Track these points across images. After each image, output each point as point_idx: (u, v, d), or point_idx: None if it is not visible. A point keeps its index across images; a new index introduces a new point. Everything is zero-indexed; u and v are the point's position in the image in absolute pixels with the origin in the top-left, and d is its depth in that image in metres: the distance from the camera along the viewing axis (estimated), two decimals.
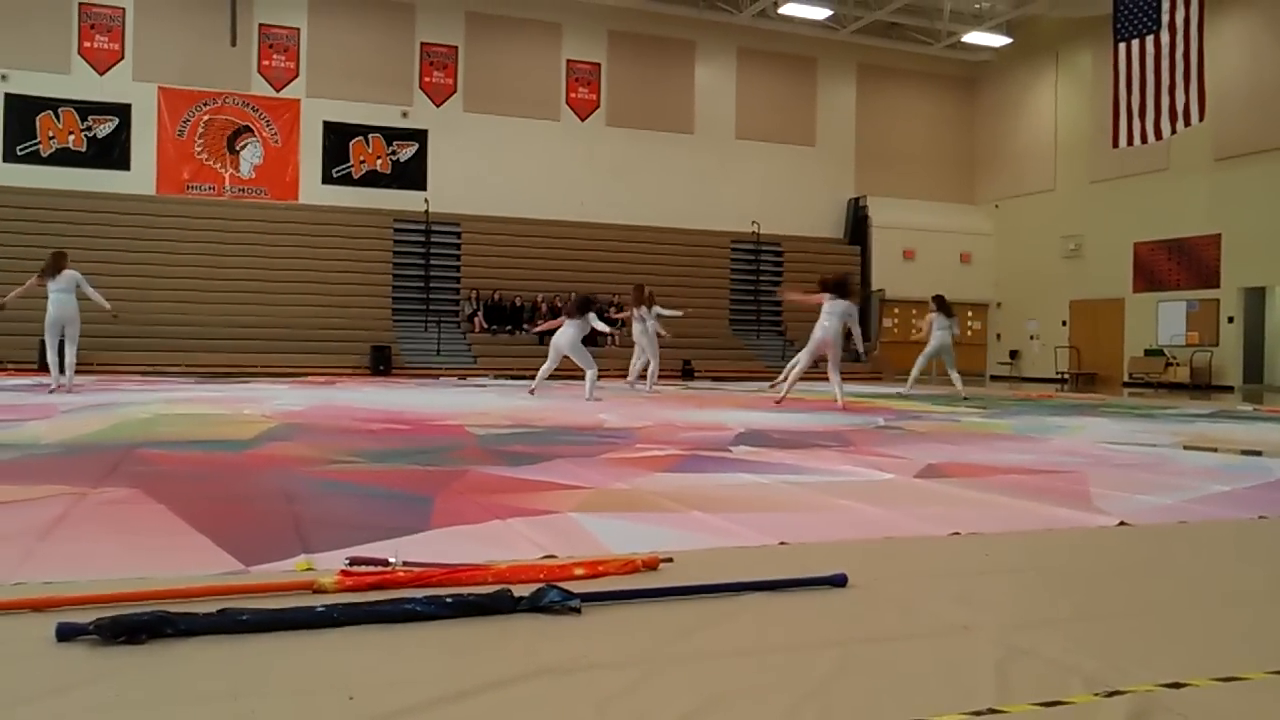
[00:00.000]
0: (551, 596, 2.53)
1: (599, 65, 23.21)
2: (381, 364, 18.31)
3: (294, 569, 2.93)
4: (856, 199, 25.23)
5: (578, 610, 2.50)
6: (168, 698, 1.90)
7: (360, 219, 20.79)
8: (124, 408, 8.86)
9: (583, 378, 12.34)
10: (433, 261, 21.36)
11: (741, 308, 23.94)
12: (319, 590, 2.63)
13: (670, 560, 3.07)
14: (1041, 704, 1.92)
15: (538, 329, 17.66)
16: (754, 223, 23.85)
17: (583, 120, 23.04)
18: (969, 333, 26.50)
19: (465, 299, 21.34)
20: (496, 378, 17.97)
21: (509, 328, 20.83)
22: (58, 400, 9.59)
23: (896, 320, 25.67)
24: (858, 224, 25.20)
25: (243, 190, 20.52)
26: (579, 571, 2.87)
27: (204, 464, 5.30)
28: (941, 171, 26.20)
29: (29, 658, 2.11)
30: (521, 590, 2.58)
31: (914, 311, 25.85)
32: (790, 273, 24.48)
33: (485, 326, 20.70)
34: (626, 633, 2.39)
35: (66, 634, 2.19)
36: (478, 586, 2.66)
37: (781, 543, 3.49)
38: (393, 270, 20.99)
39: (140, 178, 19.96)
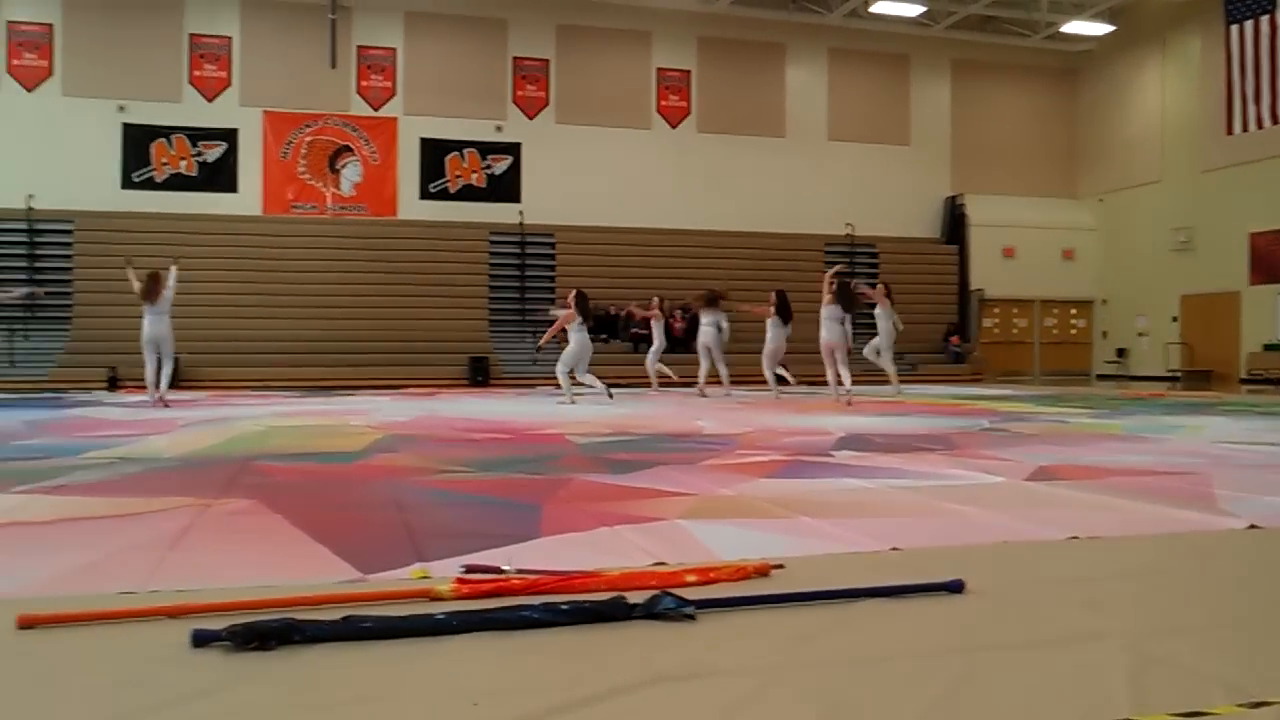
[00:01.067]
0: (666, 603, 2.53)
1: (689, 72, 23.23)
2: (479, 375, 18.60)
3: (410, 577, 2.98)
4: (953, 197, 24.74)
5: (692, 617, 2.50)
6: (299, 704, 1.96)
7: (457, 232, 21.17)
8: (238, 422, 9.16)
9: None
10: (528, 272, 21.62)
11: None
12: (436, 598, 2.67)
13: (781, 566, 3.04)
14: (1182, 715, 1.84)
15: (636, 320, 17.63)
16: (848, 225, 23.58)
17: (674, 127, 23.08)
18: (1072, 330, 25.75)
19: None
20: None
21: (604, 336, 20.94)
22: (175, 415, 9.96)
23: (997, 320, 25.08)
24: (955, 223, 24.71)
25: (344, 208, 21.08)
26: (691, 578, 2.86)
27: (316, 475, 5.44)
28: (1041, 166, 25.52)
29: (168, 662, 2.19)
30: (635, 597, 2.59)
31: (1015, 311, 25.22)
32: (886, 274, 24.09)
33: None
34: (743, 640, 2.37)
35: (201, 640, 2.27)
36: (591, 594, 2.68)
37: (893, 548, 3.43)
38: (489, 282, 21.31)
39: (247, 199, 20.65)
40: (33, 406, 11.41)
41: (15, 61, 19.80)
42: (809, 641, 2.35)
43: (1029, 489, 4.89)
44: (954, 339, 23.30)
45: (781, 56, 23.88)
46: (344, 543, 3.43)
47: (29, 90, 19.85)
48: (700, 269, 21.79)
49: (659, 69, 23.11)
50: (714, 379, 14.76)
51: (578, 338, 13.07)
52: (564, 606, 2.50)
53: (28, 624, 2.42)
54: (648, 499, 4.45)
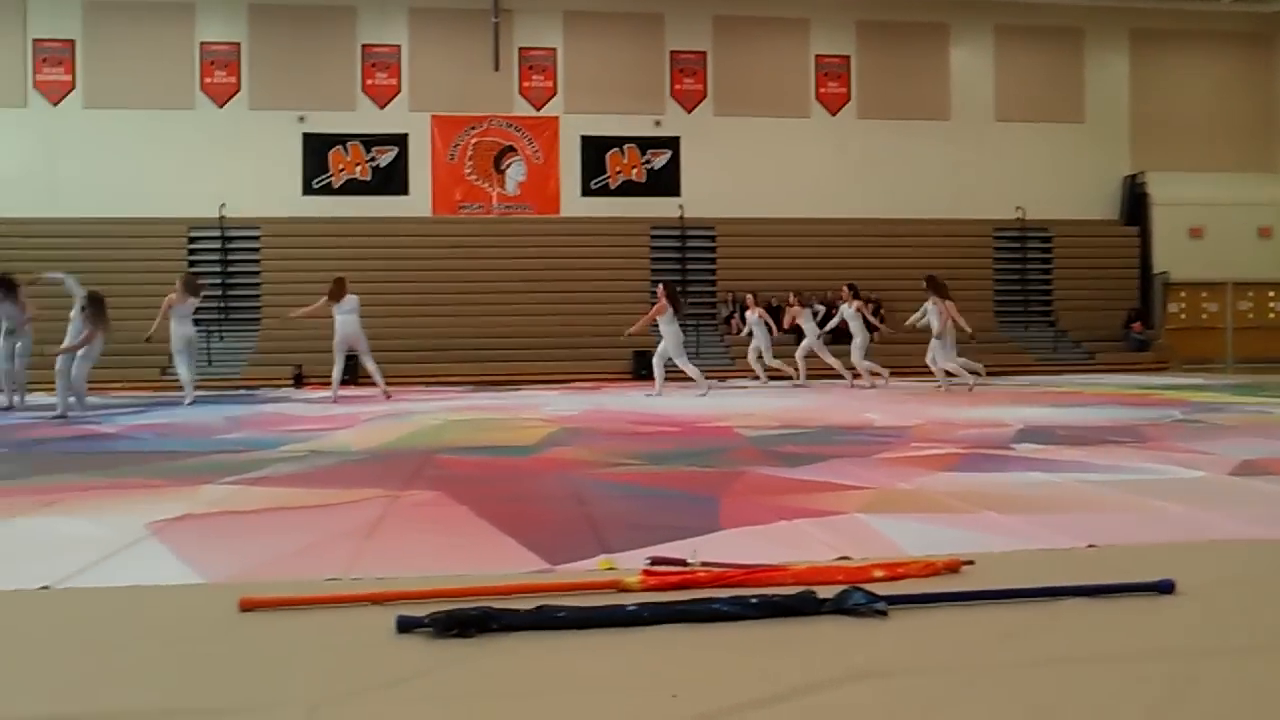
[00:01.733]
0: (856, 599, 2.48)
1: (848, 58, 22.79)
2: (643, 369, 18.74)
3: (596, 568, 3.03)
4: (1133, 176, 23.43)
5: (884, 613, 2.45)
6: (502, 691, 2.01)
7: (618, 228, 21.42)
8: (416, 416, 9.53)
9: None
10: (689, 266, 21.68)
11: (1007, 298, 22.79)
12: (624, 589, 2.70)
13: (971, 563, 2.95)
14: None
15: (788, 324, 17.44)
16: (1018, 208, 22.66)
17: (833, 115, 22.69)
18: (1270, 314, 24.01)
19: (721, 302, 21.53)
20: (755, 379, 17.97)
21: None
22: (357, 410, 10.44)
23: (1184, 305, 23.63)
24: (1135, 202, 23.39)
25: (509, 207, 21.63)
26: (878, 574, 2.80)
27: (495, 468, 5.61)
28: (1232, 139, 23.86)
29: (376, 646, 2.29)
30: (823, 592, 2.56)
31: (1204, 295, 23.72)
32: (1061, 258, 23.10)
33: (743, 328, 20.77)
34: (940, 638, 2.31)
35: (406, 626, 2.36)
36: (777, 587, 2.66)
37: (1090, 545, 3.28)
38: (651, 277, 21.45)
39: (418, 201, 21.45)
40: (229, 403, 12.17)
41: (208, 80, 21.13)
42: (1011, 641, 2.27)
43: (1234, 484, 4.59)
44: (1136, 325, 22.09)
45: (945, 37, 23.14)
46: (529, 534, 3.52)
47: (220, 106, 21.15)
48: (862, 257, 21.40)
49: (817, 56, 22.75)
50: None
51: (670, 330, 13.13)
52: (753, 600, 2.49)
53: (249, 607, 2.58)
54: (824, 492, 4.40)
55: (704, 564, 2.88)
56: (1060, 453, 5.81)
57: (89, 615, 2.66)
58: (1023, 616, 2.45)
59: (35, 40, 20.63)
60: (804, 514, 3.85)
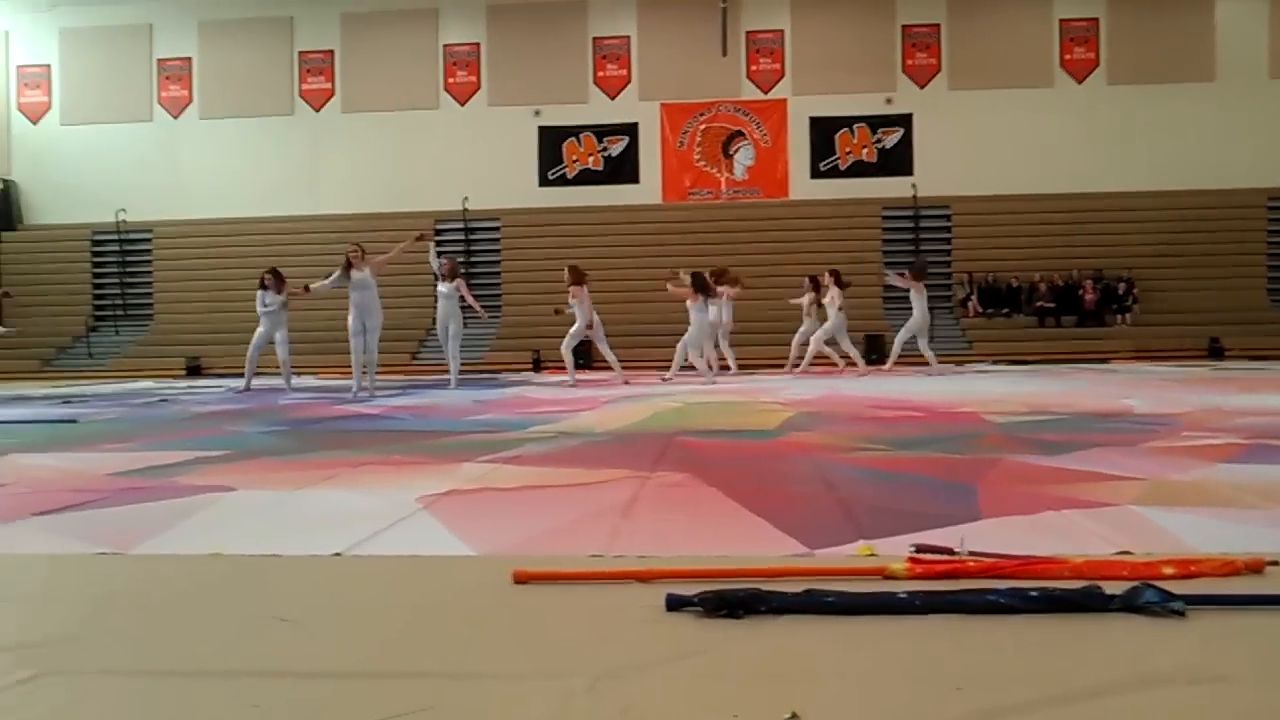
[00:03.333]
0: (1149, 596, 2.31)
1: (1096, 20, 21.36)
2: (874, 353, 18.35)
3: (856, 554, 2.97)
4: None
5: (1182, 614, 2.26)
6: (776, 673, 1.99)
7: (848, 210, 21.01)
8: (655, 399, 9.70)
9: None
10: (923, 246, 20.99)
11: None
12: (889, 576, 2.63)
13: (1277, 564, 2.69)
14: None
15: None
16: None
17: (1079, 83, 21.34)
18: None
19: (958, 283, 20.73)
20: (995, 363, 17.24)
21: (1005, 311, 19.90)
22: (598, 394, 10.73)
23: None
24: None
25: (737, 192, 21.65)
26: (1168, 570, 2.60)
27: (739, 450, 5.61)
28: None
29: (646, 623, 2.33)
30: (1109, 587, 2.40)
31: None
32: None
33: (980, 310, 19.96)
34: (1248, 644, 2.12)
35: (675, 605, 2.39)
36: (1056, 581, 2.51)
37: None
38: (882, 259, 20.94)
39: (648, 189, 21.82)
40: (475, 387, 12.79)
41: (450, 80, 22.28)
42: None
43: None
44: None
45: None
46: (782, 517, 3.49)
47: (462, 104, 22.25)
48: (1112, 234, 20.07)
49: (1061, 20, 21.45)
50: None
51: (698, 318, 13.15)
52: (1033, 593, 2.36)
53: (522, 579, 2.69)
54: (1091, 482, 4.13)
55: (972, 553, 2.77)
56: None
57: (378, 581, 2.84)
58: None
59: (301, 53, 22.36)
60: (1072, 505, 3.63)
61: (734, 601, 2.34)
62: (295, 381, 12.74)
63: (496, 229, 21.70)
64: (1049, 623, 2.26)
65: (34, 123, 22.75)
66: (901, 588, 2.50)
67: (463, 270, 13.92)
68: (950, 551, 2.78)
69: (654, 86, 21.84)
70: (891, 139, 21.42)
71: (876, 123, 21.45)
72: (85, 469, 5.20)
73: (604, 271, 20.13)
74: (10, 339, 16.97)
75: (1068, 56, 21.45)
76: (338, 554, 3.10)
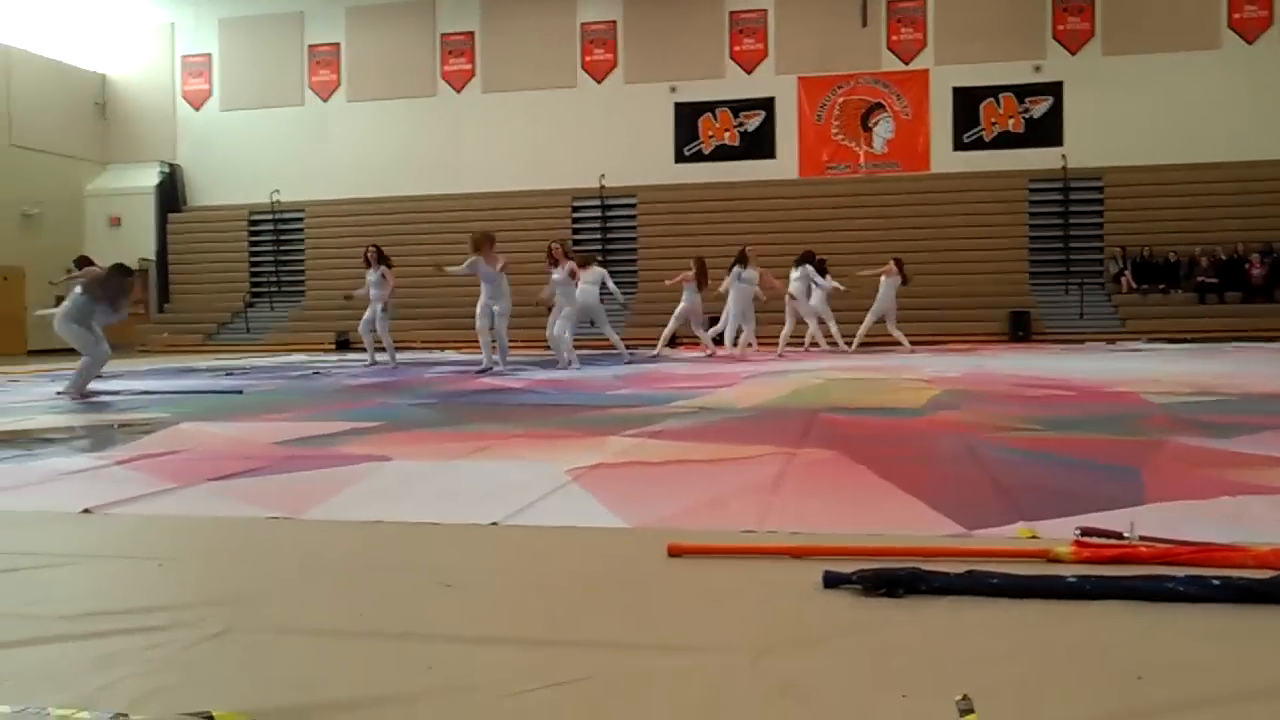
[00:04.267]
0: None
1: None
2: (1020, 330, 17.74)
3: (1016, 535, 2.88)
4: None
5: None
6: (940, 655, 1.95)
7: (992, 182, 20.27)
8: (794, 375, 9.61)
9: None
10: (1071, 220, 20.12)
11: None
12: (1054, 559, 2.55)
13: None
14: None
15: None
16: None
17: (1249, 43, 20.00)
18: None
19: (1110, 258, 19.78)
20: (1150, 340, 16.45)
21: (1161, 286, 18.92)
22: (736, 369, 10.69)
23: None
24: None
25: (876, 165, 21.15)
26: None
27: (885, 428, 5.51)
28: None
29: (804, 600, 2.32)
30: None
31: None
32: None
33: (1134, 286, 19.02)
34: None
35: (832, 582, 2.37)
36: (1238, 569, 2.39)
37: None
38: (1028, 232, 20.17)
39: (784, 164, 21.52)
40: (612, 362, 12.90)
41: (588, 58, 22.41)
42: None
43: None
44: None
45: None
46: (935, 496, 3.42)
47: (598, 82, 22.37)
48: None
49: None
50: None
51: (689, 300, 13.93)
52: (1215, 582, 2.25)
53: (676, 552, 2.71)
54: (1270, 467, 3.90)
55: (1143, 538, 2.65)
56: None
57: (535, 550, 2.91)
58: None
59: (442, 35, 22.85)
60: (1250, 490, 3.44)
61: (893, 580, 2.30)
62: (439, 355, 13.18)
63: (633, 206, 21.79)
64: (1232, 613, 2.15)
65: (196, 109, 23.91)
66: (1068, 572, 2.42)
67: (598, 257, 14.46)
68: (1119, 536, 2.67)
69: (791, 60, 21.50)
70: (1040, 108, 20.55)
71: (1024, 91, 20.62)
72: (252, 437, 5.47)
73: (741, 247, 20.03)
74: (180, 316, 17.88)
75: (1237, 15, 20.14)
76: (494, 523, 3.19)
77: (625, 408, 6.72)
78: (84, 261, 9.44)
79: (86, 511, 3.48)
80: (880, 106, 21.13)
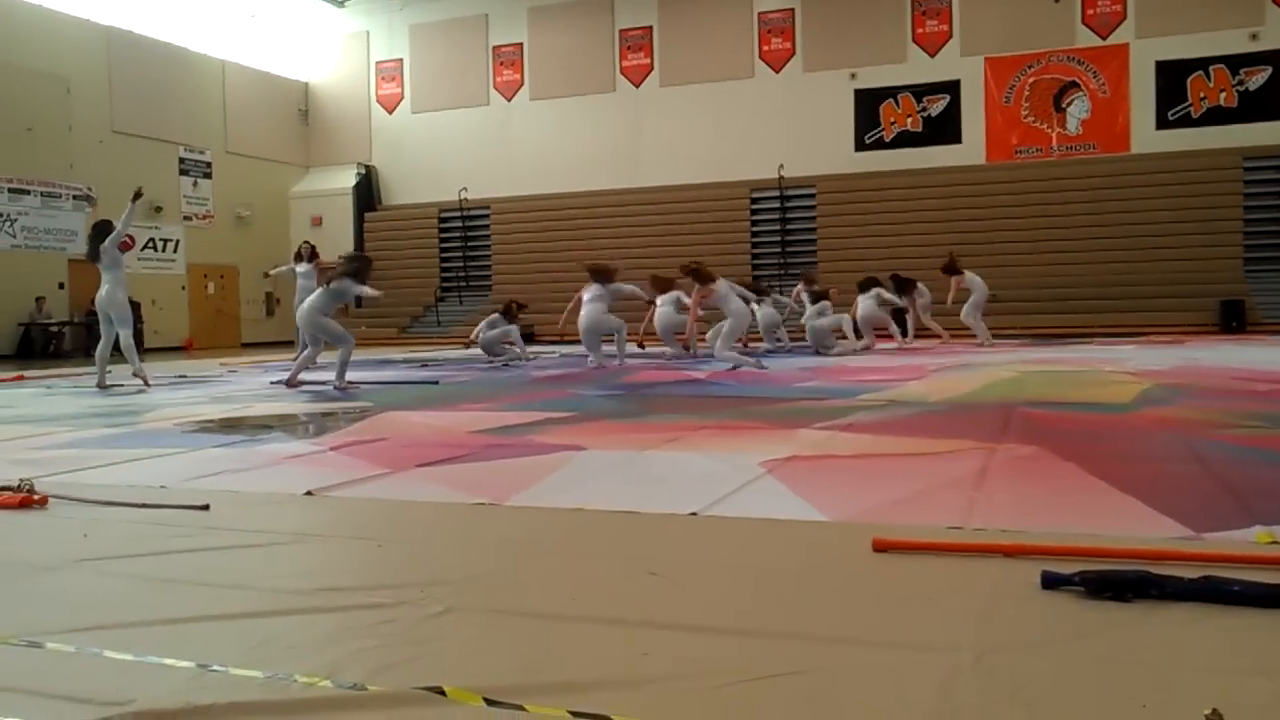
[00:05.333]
0: None
1: None
2: (1233, 320, 16.53)
3: (1255, 540, 2.69)
4: None
5: None
6: (1181, 663, 1.84)
7: (1200, 162, 18.97)
8: (983, 369, 9.27)
9: None
10: None
11: None
12: None
13: None
14: None
15: None
16: None
17: None
18: None
19: None
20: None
21: None
22: (923, 362, 10.41)
23: None
24: None
25: (1070, 147, 20.14)
26: None
27: (1091, 424, 5.24)
28: None
29: (1022, 600, 2.23)
30: None
31: None
32: None
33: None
34: None
35: (1051, 583, 2.27)
36: None
37: None
38: (1243, 215, 18.77)
39: (970, 149, 20.77)
40: (792, 354, 12.78)
41: (765, 48, 22.24)
42: None
43: None
44: None
45: None
46: (1155, 496, 3.23)
47: (776, 72, 22.17)
48: None
49: None
50: None
51: (661, 312, 12.35)
52: None
53: (882, 547, 2.65)
54: None
55: None
56: None
57: (736, 541, 2.91)
58: None
59: (621, 31, 23.14)
60: None
61: (1120, 583, 2.18)
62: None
63: (812, 196, 21.51)
64: None
65: (389, 113, 25.07)
66: None
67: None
68: None
69: (977, 40, 20.72)
70: (1257, 79, 19.06)
71: (1238, 62, 19.17)
72: (451, 426, 5.70)
73: (923, 236, 19.51)
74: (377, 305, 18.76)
75: None
76: (693, 513, 3.21)
77: (812, 400, 6.64)
78: (313, 251, 10.03)
79: (309, 494, 3.70)
80: (1074, 85, 20.11)
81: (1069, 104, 20.16)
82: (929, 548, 2.65)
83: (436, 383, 9.09)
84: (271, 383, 9.29)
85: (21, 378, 11.08)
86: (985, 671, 1.80)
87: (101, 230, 9.15)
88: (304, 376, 9.08)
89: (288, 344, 12.69)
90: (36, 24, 18.78)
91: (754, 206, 21.99)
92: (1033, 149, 20.44)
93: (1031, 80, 20.39)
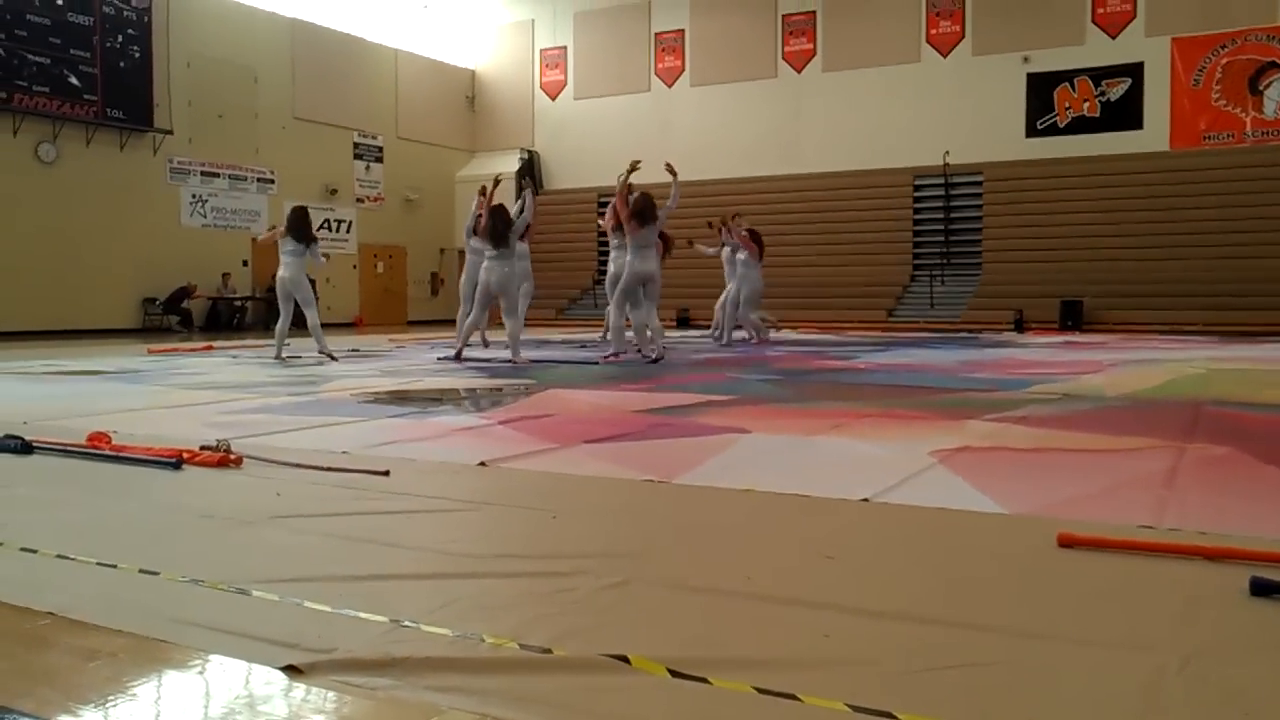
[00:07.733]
0: None
1: None
2: None
3: None
4: None
5: None
6: None
7: None
8: (1167, 364, 8.79)
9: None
10: None
11: None
12: None
13: None
14: None
15: None
16: None
17: None
18: None
19: None
20: None
21: None
22: (1096, 356, 9.94)
23: None
24: None
25: (1265, 133, 18.80)
26: None
27: None
28: None
29: (1228, 606, 2.10)
30: None
31: None
32: None
33: None
34: None
35: (1261, 589, 2.13)
36: None
37: None
38: None
39: (1153, 135, 19.65)
40: (954, 345, 12.41)
41: (933, 31, 21.58)
42: None
43: None
44: None
45: None
46: None
47: (944, 56, 21.49)
48: None
49: None
50: None
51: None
52: None
53: (1067, 543, 2.54)
54: None
55: None
56: None
57: (912, 529, 2.84)
58: None
59: (784, 16, 22.87)
60: None
61: None
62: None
63: (979, 183, 20.78)
64: None
65: (552, 99, 25.50)
66: None
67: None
68: None
69: (1164, 19, 19.56)
70: None
71: None
72: (614, 405, 5.77)
73: (1100, 226, 18.65)
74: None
75: None
76: (865, 499, 3.15)
77: (980, 391, 6.43)
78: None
79: (482, 464, 3.81)
80: (1274, 66, 18.76)
81: (1266, 86, 18.83)
82: (1119, 546, 2.53)
83: (595, 363, 9.22)
84: (439, 358, 9.61)
85: (211, 348, 11.81)
86: (1192, 675, 1.70)
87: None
88: (471, 353, 9.32)
89: (450, 323, 13.06)
90: (228, 17, 19.92)
91: (917, 194, 21.43)
92: (1224, 135, 19.20)
93: (1225, 61, 19.15)
